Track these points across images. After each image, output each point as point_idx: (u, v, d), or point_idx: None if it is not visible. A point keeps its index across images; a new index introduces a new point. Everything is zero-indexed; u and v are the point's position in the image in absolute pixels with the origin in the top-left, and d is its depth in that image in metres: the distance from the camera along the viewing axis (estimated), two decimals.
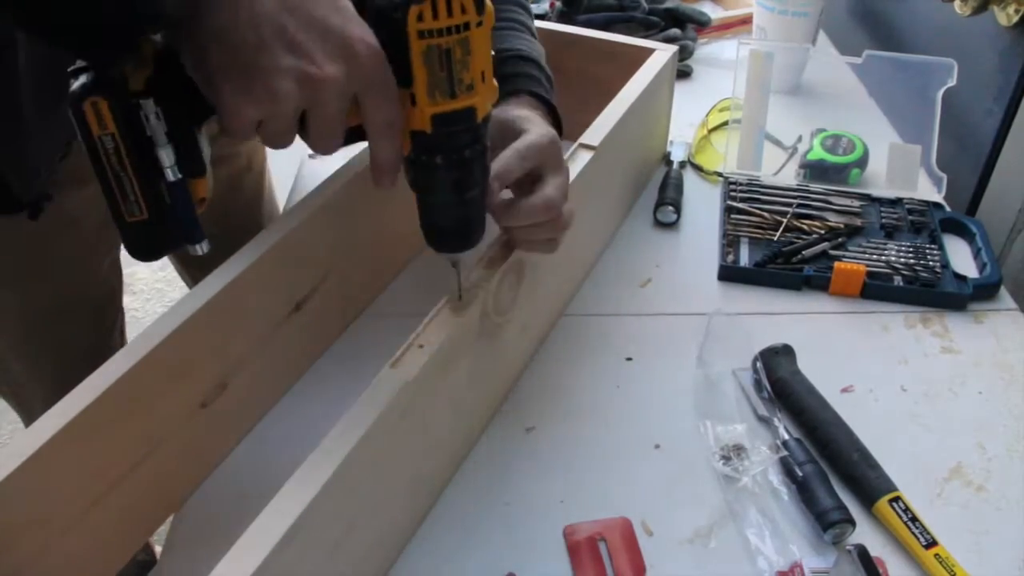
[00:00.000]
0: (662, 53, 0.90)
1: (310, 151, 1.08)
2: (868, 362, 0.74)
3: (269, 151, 1.08)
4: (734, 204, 0.91)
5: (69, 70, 0.45)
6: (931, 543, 0.58)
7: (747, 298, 0.82)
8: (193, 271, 1.08)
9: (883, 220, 0.89)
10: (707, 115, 1.09)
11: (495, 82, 0.50)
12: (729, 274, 0.84)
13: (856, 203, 0.91)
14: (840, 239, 0.86)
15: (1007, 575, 0.58)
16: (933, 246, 0.85)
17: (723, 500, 0.63)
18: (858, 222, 0.89)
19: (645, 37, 1.13)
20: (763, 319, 0.79)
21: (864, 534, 0.60)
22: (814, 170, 0.95)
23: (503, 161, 0.58)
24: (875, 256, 0.84)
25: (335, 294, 0.73)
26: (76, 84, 0.44)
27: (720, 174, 0.97)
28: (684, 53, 1.23)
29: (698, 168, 1.00)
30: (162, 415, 0.58)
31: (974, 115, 1.02)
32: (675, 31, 1.26)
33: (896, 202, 0.92)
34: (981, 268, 0.84)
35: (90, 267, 0.87)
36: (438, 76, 0.46)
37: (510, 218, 0.59)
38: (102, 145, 0.46)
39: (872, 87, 1.12)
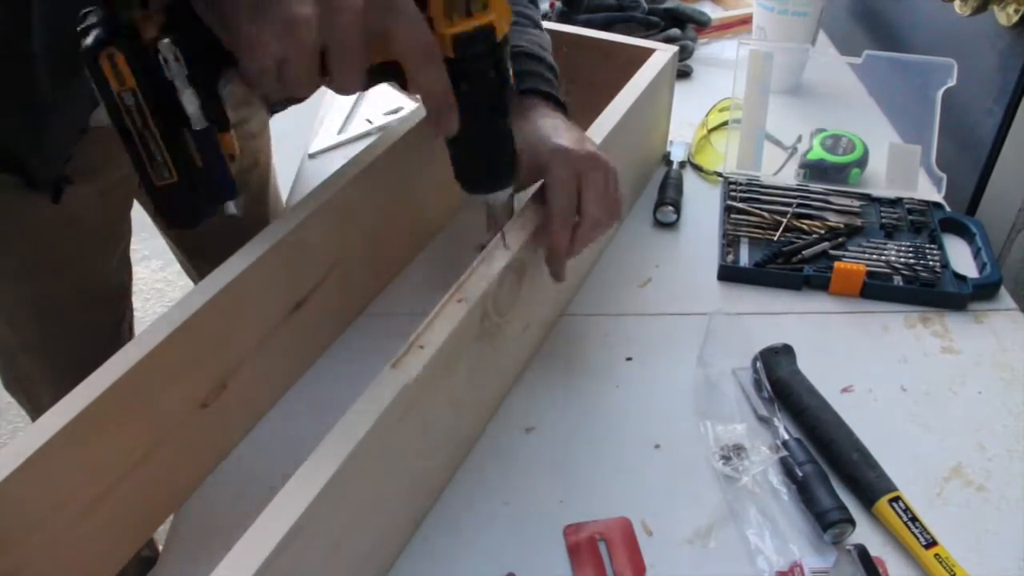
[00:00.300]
0: (662, 53, 0.90)
1: (310, 150, 1.08)
2: (868, 362, 0.74)
3: (274, 148, 1.08)
4: (734, 204, 0.91)
5: (79, 28, 0.43)
6: (931, 543, 0.58)
7: (747, 298, 0.82)
8: (199, 264, 1.09)
9: (883, 220, 0.89)
10: (707, 115, 1.09)
11: (509, 5, 0.48)
12: (729, 274, 0.84)
13: (856, 203, 0.91)
14: (840, 239, 0.86)
15: (1007, 575, 0.58)
16: (933, 246, 0.85)
17: (723, 500, 0.63)
18: (858, 222, 0.89)
19: (645, 37, 1.13)
20: (763, 319, 0.79)
21: (864, 534, 0.60)
22: (814, 170, 0.95)
23: (554, 207, 0.59)
24: (875, 256, 0.84)
25: (335, 294, 0.73)
26: (89, 38, 0.43)
27: (720, 174, 0.97)
28: (684, 53, 1.23)
29: (698, 168, 1.00)
30: (162, 415, 0.58)
31: (974, 115, 1.02)
32: (675, 31, 1.26)
33: (896, 202, 0.92)
34: (981, 268, 0.84)
35: (100, 262, 0.88)
36: None
37: (573, 251, 0.63)
38: (122, 102, 0.44)
39: (872, 87, 1.12)
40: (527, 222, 0.66)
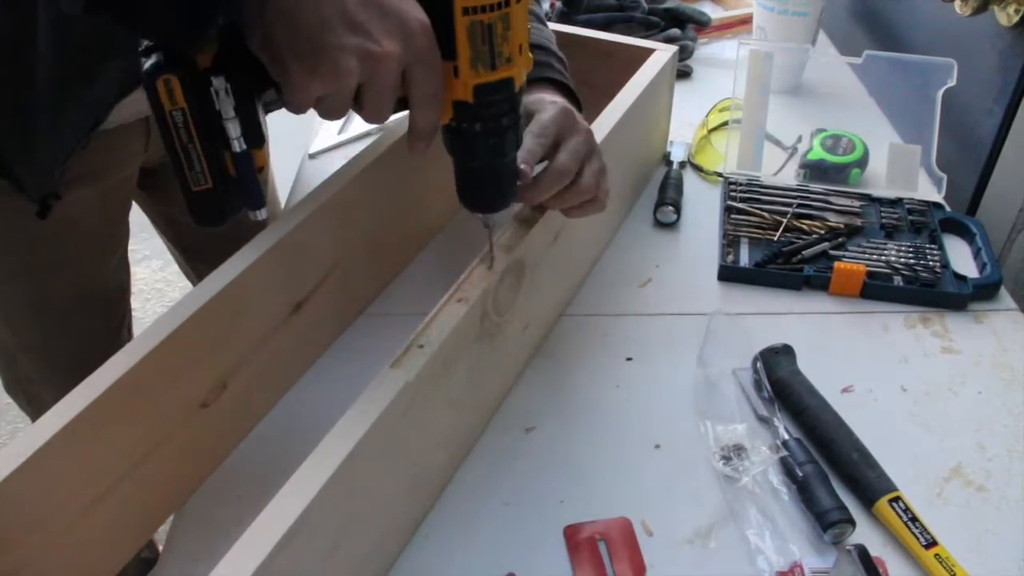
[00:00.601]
0: (662, 53, 0.90)
1: (310, 151, 1.09)
2: (868, 362, 0.74)
3: (273, 148, 1.08)
4: (734, 204, 0.91)
5: (140, 50, 0.48)
6: (931, 543, 0.58)
7: (747, 298, 0.82)
8: (197, 266, 1.09)
9: (883, 220, 0.89)
10: (707, 115, 1.09)
11: (530, 54, 0.53)
12: (729, 274, 0.84)
13: (856, 203, 0.91)
14: (840, 239, 0.86)
15: (1007, 575, 0.58)
16: (933, 246, 0.85)
17: (723, 500, 0.63)
18: (858, 222, 0.89)
19: (645, 37, 1.13)
20: (763, 319, 0.79)
21: (864, 534, 0.60)
22: (814, 170, 0.95)
23: (523, 147, 0.60)
24: (875, 256, 0.84)
25: (335, 294, 0.73)
26: (148, 63, 0.48)
27: (720, 174, 0.97)
28: (684, 53, 1.23)
29: (698, 168, 1.00)
30: (162, 415, 0.58)
31: (974, 115, 1.02)
32: (675, 31, 1.26)
33: (896, 202, 0.92)
34: (981, 268, 0.84)
35: (99, 264, 0.88)
36: (480, 50, 0.49)
37: (531, 196, 0.62)
38: (172, 120, 0.49)
39: (872, 87, 1.12)
40: (528, 220, 0.66)
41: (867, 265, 0.81)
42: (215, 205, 0.54)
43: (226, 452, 0.67)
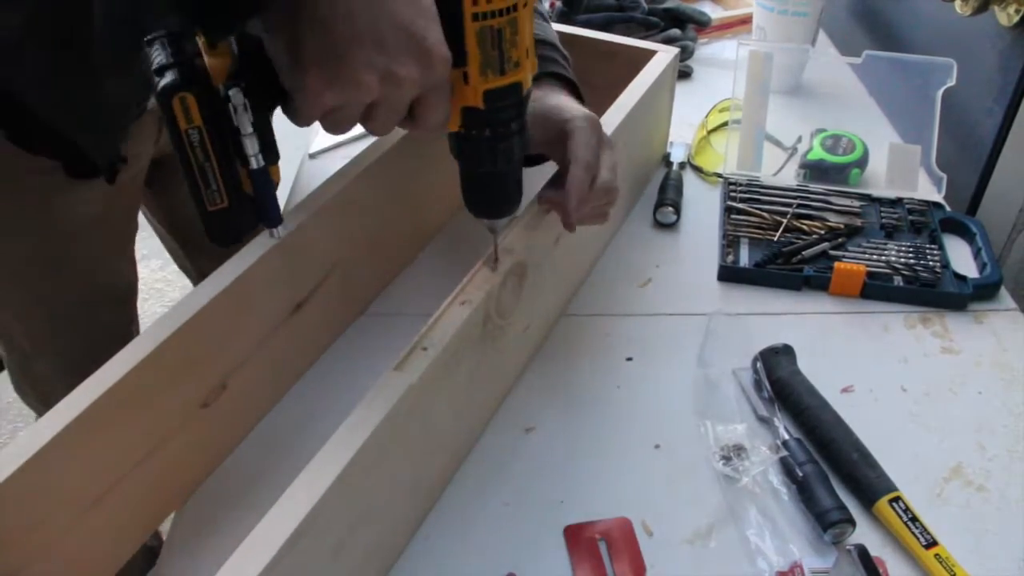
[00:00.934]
0: (664, 55, 0.90)
1: (311, 151, 1.09)
2: (868, 362, 0.74)
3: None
4: (734, 204, 0.91)
5: (153, 68, 0.47)
6: (931, 543, 0.58)
7: (747, 298, 0.82)
8: (198, 259, 1.09)
9: (883, 220, 0.89)
10: (707, 116, 1.09)
11: (535, 58, 0.53)
12: (729, 274, 0.84)
13: (856, 203, 0.91)
14: (840, 239, 0.86)
15: (1007, 575, 0.58)
16: (933, 246, 0.85)
17: (723, 500, 0.63)
18: (858, 222, 0.89)
19: (645, 37, 1.13)
20: (763, 319, 0.79)
21: (864, 534, 0.60)
22: (814, 170, 0.95)
23: (575, 181, 0.62)
24: (875, 256, 0.84)
25: (336, 294, 0.73)
26: (163, 81, 0.46)
27: (720, 175, 0.97)
28: (684, 53, 1.23)
29: (698, 169, 1.00)
30: (163, 415, 0.58)
31: (974, 115, 1.02)
32: (675, 31, 1.26)
33: (896, 202, 0.92)
34: (981, 268, 0.84)
35: (111, 259, 0.89)
36: (490, 55, 0.49)
37: (573, 219, 0.64)
38: (188, 139, 0.48)
39: (872, 87, 1.12)
40: (531, 222, 0.66)
41: (867, 265, 0.81)
42: (232, 224, 0.53)
43: (226, 452, 0.67)
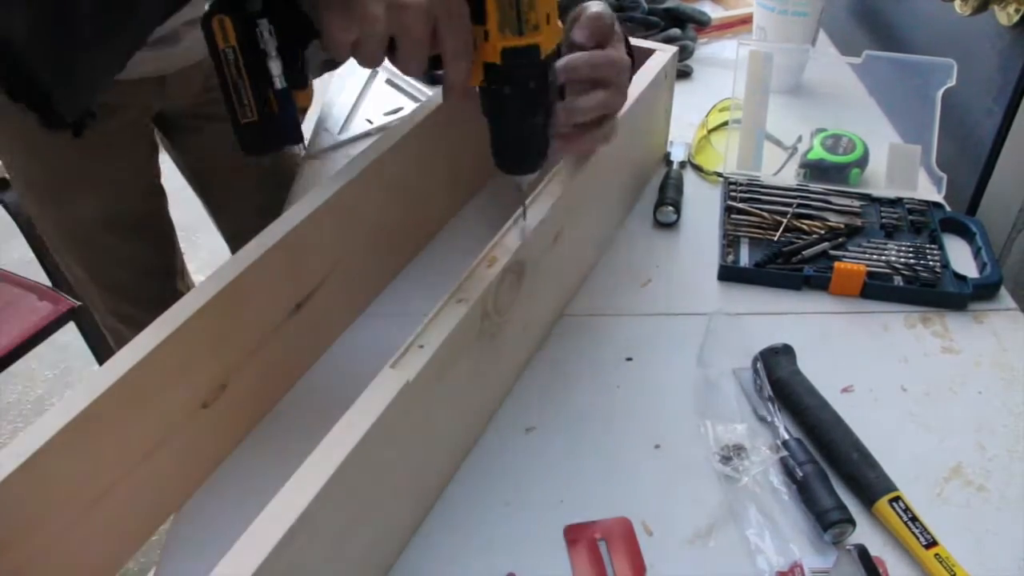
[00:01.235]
0: (662, 55, 0.90)
1: (311, 151, 1.09)
2: (868, 362, 0.74)
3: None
4: (734, 204, 0.91)
5: None
6: (931, 543, 0.58)
7: (747, 298, 0.82)
8: (222, 221, 1.18)
9: (883, 220, 0.89)
10: (707, 115, 1.09)
11: (560, 24, 0.57)
12: (729, 274, 0.84)
13: (856, 203, 0.91)
14: (840, 239, 0.86)
15: (1007, 575, 0.58)
16: (933, 246, 0.85)
17: (723, 500, 0.63)
18: (858, 222, 0.89)
19: (645, 37, 1.13)
20: (763, 319, 0.79)
21: (864, 534, 0.60)
22: (814, 170, 0.95)
23: (569, 59, 0.63)
24: (875, 256, 0.84)
25: (335, 294, 0.73)
26: (207, 5, 0.54)
27: (720, 174, 0.97)
28: (684, 53, 1.23)
29: (698, 168, 1.00)
30: (162, 415, 0.58)
31: (974, 115, 1.03)
32: (675, 31, 1.26)
33: (896, 202, 0.92)
34: (981, 268, 0.84)
35: (132, 186, 0.99)
36: (508, 15, 0.54)
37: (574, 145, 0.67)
38: (224, 56, 0.56)
39: (872, 87, 1.12)
40: (530, 220, 0.66)
41: (867, 265, 0.81)
42: (260, 137, 0.60)
43: (226, 452, 0.67)
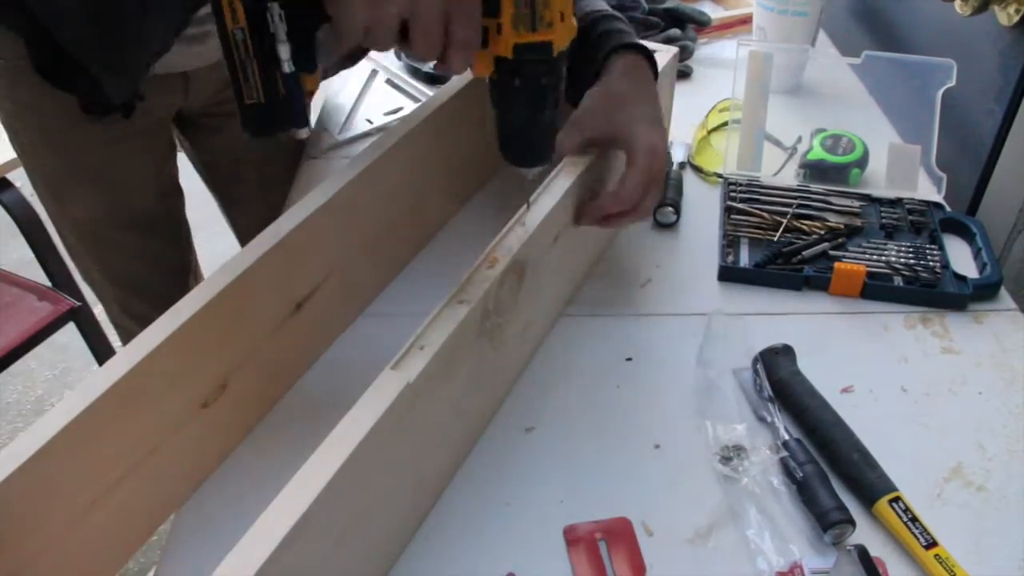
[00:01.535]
0: (662, 55, 0.90)
1: (311, 151, 1.09)
2: (868, 362, 0.74)
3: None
4: (734, 204, 0.91)
5: None
6: (931, 543, 0.58)
7: (747, 298, 0.82)
8: (235, 217, 1.18)
9: (883, 220, 0.89)
10: (707, 116, 1.09)
11: (573, 22, 0.57)
12: (729, 274, 0.84)
13: (856, 203, 0.91)
14: (840, 239, 0.86)
15: (1007, 575, 0.58)
16: (933, 246, 0.85)
17: (723, 500, 0.63)
18: (858, 222, 0.89)
19: (645, 37, 1.13)
20: (763, 319, 0.79)
21: (864, 534, 0.60)
22: (814, 170, 0.95)
23: (607, 205, 0.70)
24: (875, 256, 0.84)
25: (335, 294, 0.73)
26: None
27: (720, 175, 0.97)
28: (684, 53, 1.23)
29: (698, 169, 1.00)
30: (162, 415, 0.58)
31: (974, 115, 1.03)
32: (675, 31, 1.26)
33: (896, 202, 0.92)
34: (981, 268, 0.84)
35: (151, 184, 1.00)
36: (522, 12, 0.54)
37: (591, 218, 0.72)
38: (234, 37, 0.56)
39: (872, 87, 1.12)
40: (529, 220, 0.66)
41: (867, 265, 0.81)
42: (264, 119, 0.60)
43: (226, 452, 0.67)
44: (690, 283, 0.84)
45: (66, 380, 1.94)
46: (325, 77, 1.11)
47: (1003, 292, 0.81)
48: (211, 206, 1.20)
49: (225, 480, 0.65)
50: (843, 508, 0.59)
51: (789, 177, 0.97)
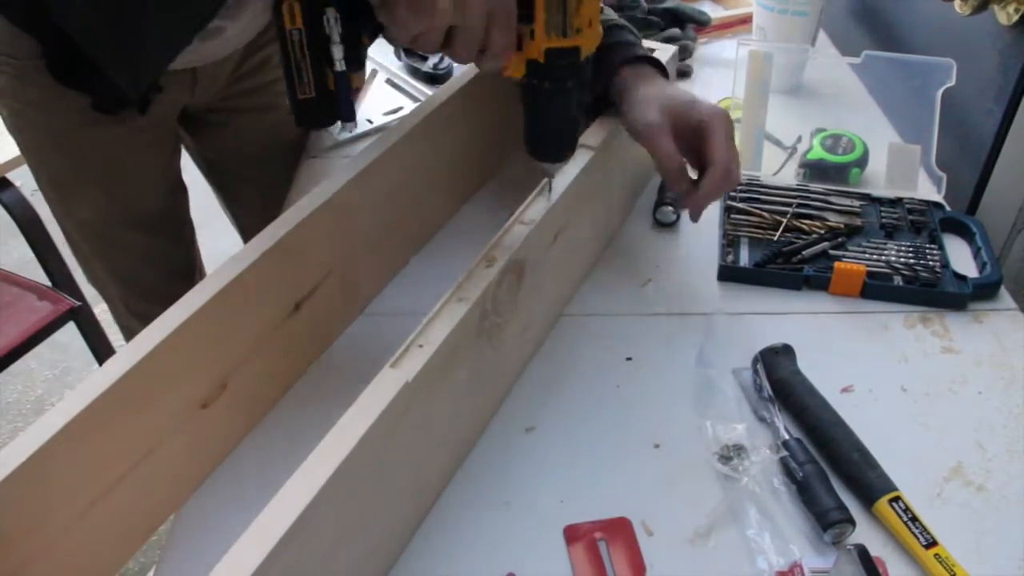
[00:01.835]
0: (661, 54, 0.90)
1: (311, 151, 1.09)
2: (868, 362, 0.74)
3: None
4: (734, 204, 0.91)
5: None
6: (931, 543, 0.58)
7: (747, 298, 0.82)
8: (237, 212, 1.18)
9: (883, 220, 0.89)
10: None
11: (599, 28, 0.60)
12: (729, 274, 0.84)
13: (856, 203, 0.91)
14: (840, 239, 0.86)
15: (1007, 575, 0.58)
16: (933, 246, 0.85)
17: (723, 500, 0.63)
18: (858, 222, 0.89)
19: (645, 37, 1.13)
20: (763, 319, 0.79)
21: (864, 534, 0.60)
22: (814, 170, 0.95)
23: (714, 184, 0.73)
24: (875, 256, 0.84)
25: (335, 294, 0.73)
26: None
27: None
28: (684, 53, 1.23)
29: None
30: (162, 415, 0.58)
31: (974, 115, 1.03)
32: (675, 31, 1.25)
33: (896, 202, 0.92)
34: (981, 268, 0.84)
35: (157, 183, 1.01)
36: (555, 18, 0.57)
37: (698, 203, 0.75)
38: (290, 37, 0.62)
39: (872, 87, 1.12)
40: (529, 219, 0.66)
41: (867, 265, 0.81)
42: (316, 112, 0.66)
43: (226, 452, 0.67)
44: (690, 283, 0.84)
45: (66, 380, 1.94)
46: None
47: (1003, 291, 0.81)
48: (212, 204, 1.19)
49: (225, 480, 0.65)
50: (843, 508, 0.59)
51: (789, 177, 0.97)
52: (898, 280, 0.81)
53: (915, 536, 0.58)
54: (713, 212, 0.93)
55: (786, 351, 0.72)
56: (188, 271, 1.12)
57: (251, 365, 0.65)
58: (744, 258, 0.85)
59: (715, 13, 1.35)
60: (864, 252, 0.84)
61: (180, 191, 1.06)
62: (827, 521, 0.59)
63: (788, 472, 0.63)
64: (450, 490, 0.64)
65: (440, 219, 0.90)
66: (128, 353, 0.54)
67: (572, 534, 0.61)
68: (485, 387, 0.67)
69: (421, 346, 0.54)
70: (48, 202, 0.98)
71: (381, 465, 0.52)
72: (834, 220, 0.89)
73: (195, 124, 1.04)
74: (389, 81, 1.21)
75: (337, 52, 0.62)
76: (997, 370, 0.73)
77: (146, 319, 0.57)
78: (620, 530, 0.61)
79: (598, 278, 0.84)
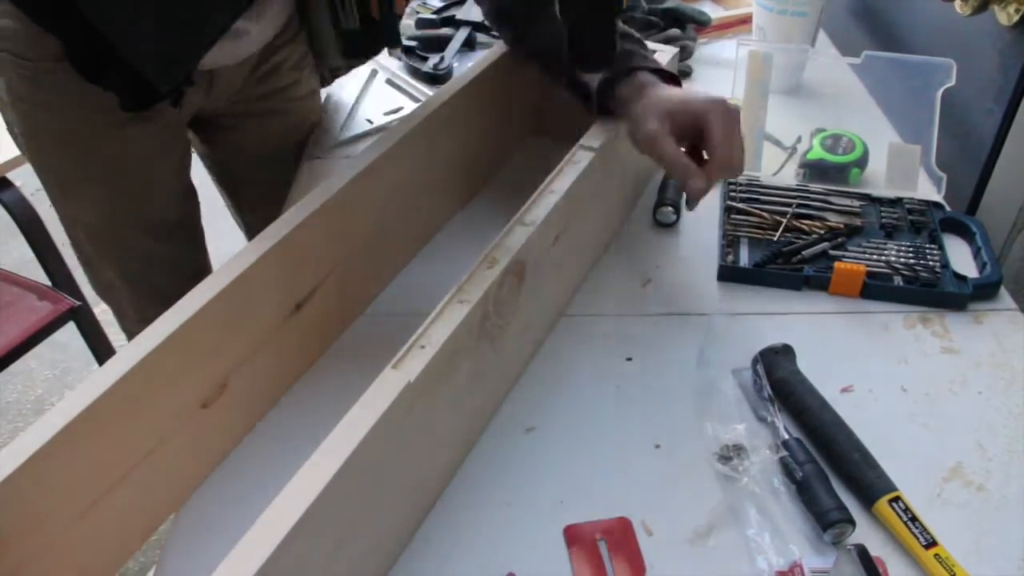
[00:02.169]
0: (662, 55, 0.90)
1: (311, 151, 1.09)
2: (868, 362, 0.74)
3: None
4: (734, 204, 0.91)
5: None
6: (931, 543, 0.58)
7: (747, 298, 0.82)
8: (248, 218, 1.18)
9: (883, 220, 0.89)
10: None
11: None
12: (729, 274, 0.84)
13: (856, 203, 0.91)
14: (840, 239, 0.86)
15: (1007, 575, 0.58)
16: (933, 246, 0.85)
17: (723, 500, 0.63)
18: (858, 222, 0.89)
19: (645, 37, 1.13)
20: (763, 319, 0.79)
21: (864, 534, 0.60)
22: (814, 170, 0.95)
23: (713, 174, 0.73)
24: (875, 256, 0.84)
25: (335, 294, 0.73)
26: None
27: None
28: (684, 53, 1.23)
29: None
30: (162, 415, 0.58)
31: (974, 115, 1.02)
32: (675, 31, 1.25)
33: (896, 202, 0.92)
34: (981, 268, 0.84)
35: (169, 188, 1.00)
36: None
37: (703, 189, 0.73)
38: None
39: (872, 87, 1.12)
40: (522, 224, 0.66)
41: (867, 265, 0.81)
42: (360, 42, 0.70)
43: (226, 452, 0.67)
44: (690, 283, 0.84)
45: (66, 380, 1.94)
46: (334, 77, 1.12)
47: (1003, 292, 0.81)
48: (217, 205, 1.19)
49: (225, 480, 0.65)
50: (843, 508, 0.59)
51: (789, 177, 0.97)
52: (898, 280, 0.81)
53: (915, 536, 0.58)
54: (713, 212, 0.93)
55: (786, 351, 0.72)
56: (199, 276, 1.11)
57: (251, 365, 0.65)
58: (744, 258, 0.85)
59: (715, 13, 1.35)
60: (864, 252, 0.84)
61: (192, 195, 1.05)
62: (827, 521, 0.59)
63: (788, 472, 0.63)
64: (450, 490, 0.64)
65: (440, 220, 0.90)
66: (128, 353, 0.54)
67: (572, 534, 0.61)
68: (485, 387, 0.67)
69: (423, 347, 0.54)
70: (55, 205, 0.97)
71: (383, 465, 0.52)
72: (834, 220, 0.89)
73: (206, 127, 1.04)
74: (389, 81, 1.21)
75: None
76: (997, 370, 0.73)
77: None
78: (620, 530, 0.61)
79: (598, 278, 0.85)
